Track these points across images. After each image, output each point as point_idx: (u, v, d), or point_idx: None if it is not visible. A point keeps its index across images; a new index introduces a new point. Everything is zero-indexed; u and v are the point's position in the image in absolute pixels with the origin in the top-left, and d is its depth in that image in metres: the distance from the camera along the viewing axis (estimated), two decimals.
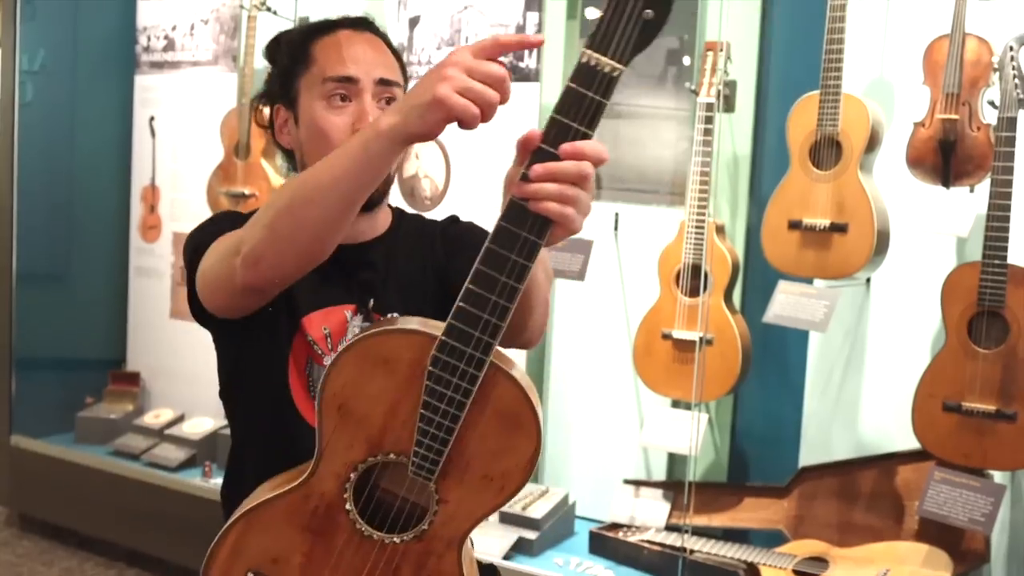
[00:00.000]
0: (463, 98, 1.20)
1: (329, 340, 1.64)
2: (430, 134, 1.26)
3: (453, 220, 1.80)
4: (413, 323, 1.39)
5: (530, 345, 1.62)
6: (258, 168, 3.96)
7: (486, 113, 1.21)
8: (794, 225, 2.98)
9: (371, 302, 1.67)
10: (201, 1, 4.38)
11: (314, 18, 4.16)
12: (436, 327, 1.33)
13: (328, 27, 1.69)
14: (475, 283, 1.27)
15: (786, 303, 2.96)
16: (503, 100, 1.22)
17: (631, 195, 3.58)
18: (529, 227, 1.23)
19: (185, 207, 4.41)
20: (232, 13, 4.28)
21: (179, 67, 4.44)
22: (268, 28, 4.04)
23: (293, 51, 1.69)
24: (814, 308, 2.93)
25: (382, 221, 1.75)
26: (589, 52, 1.18)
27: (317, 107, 1.63)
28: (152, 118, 4.51)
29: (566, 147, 1.19)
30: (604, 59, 1.18)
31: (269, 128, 1.74)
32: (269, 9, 4.00)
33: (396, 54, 1.71)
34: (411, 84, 1.74)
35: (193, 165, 4.35)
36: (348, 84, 1.62)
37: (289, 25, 3.96)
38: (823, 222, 2.93)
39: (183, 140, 4.43)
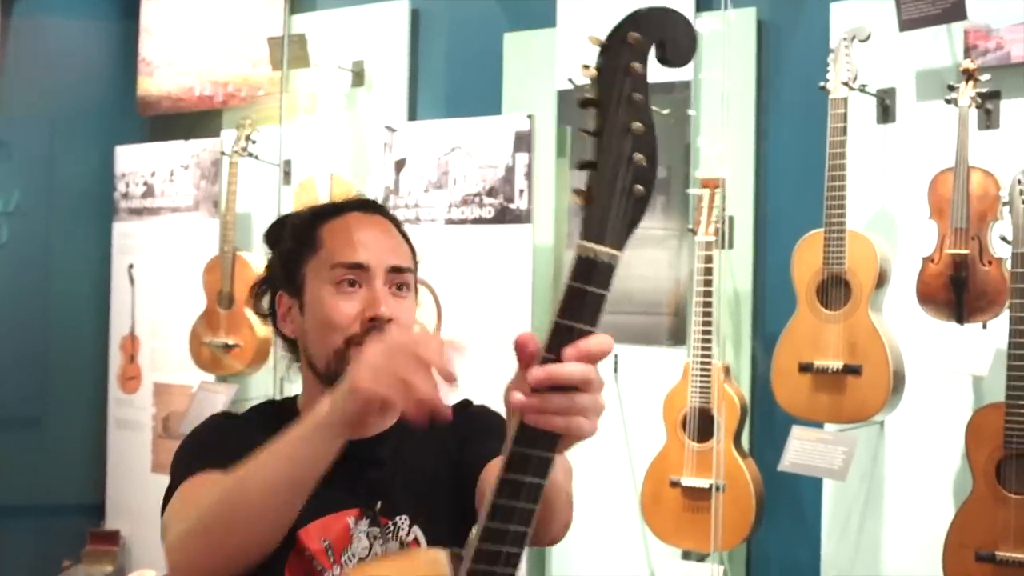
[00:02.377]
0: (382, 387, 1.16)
1: (331, 552, 1.49)
2: (356, 429, 1.22)
3: (464, 404, 1.68)
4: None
5: (554, 542, 1.49)
6: (242, 317, 3.83)
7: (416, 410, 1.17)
8: (805, 368, 2.87)
9: (379, 505, 1.53)
10: (181, 146, 4.31)
11: (298, 164, 4.12)
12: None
13: (336, 210, 1.61)
14: (492, 518, 1.12)
15: (801, 450, 2.83)
16: (439, 414, 1.18)
17: (630, 334, 3.47)
18: (540, 444, 1.10)
19: (166, 357, 4.27)
20: (213, 158, 4.20)
21: (159, 213, 4.36)
22: (250, 173, 3.97)
23: (299, 234, 1.59)
24: (831, 455, 2.80)
25: None
26: (585, 244, 1.08)
27: (325, 292, 1.53)
28: (131, 265, 4.40)
29: (570, 351, 1.07)
30: (601, 248, 1.08)
31: (271, 317, 1.63)
32: (251, 154, 3.93)
33: (406, 237, 1.63)
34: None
35: (174, 314, 4.22)
36: (358, 271, 1.53)
37: (273, 170, 3.90)
38: (836, 364, 2.82)
39: (163, 288, 4.31)
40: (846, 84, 2.87)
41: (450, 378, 1.15)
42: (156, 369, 4.32)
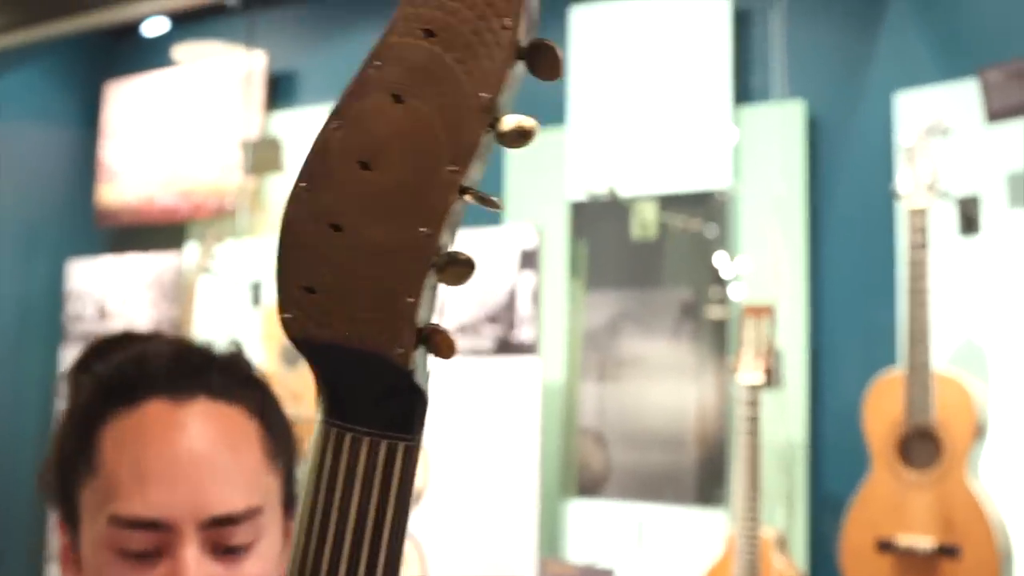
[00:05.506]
0: None
1: None
2: None
3: None
4: None
5: None
6: None
7: None
8: (885, 546, 2.25)
9: None
10: (139, 261, 3.78)
11: (270, 283, 3.57)
12: None
13: (127, 392, 0.93)
14: None
15: None
16: None
17: (650, 483, 2.88)
18: None
19: None
20: (174, 275, 3.66)
21: None
22: (217, 293, 3.43)
23: (71, 431, 0.95)
24: None
25: None
26: None
27: (103, 560, 0.89)
28: None
29: None
30: None
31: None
32: (216, 272, 3.38)
33: (266, 419, 0.97)
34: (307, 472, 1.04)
35: None
36: (153, 531, 0.89)
37: (242, 290, 3.37)
38: (927, 543, 2.21)
39: None
40: (929, 189, 2.31)
41: None
42: None
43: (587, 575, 2.43)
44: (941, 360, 2.43)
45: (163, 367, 0.94)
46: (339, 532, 0.50)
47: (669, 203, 2.93)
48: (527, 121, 0.48)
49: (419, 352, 0.50)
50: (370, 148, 0.48)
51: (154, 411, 0.92)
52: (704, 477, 2.87)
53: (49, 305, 3.96)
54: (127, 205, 3.91)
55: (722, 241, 2.85)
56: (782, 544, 2.54)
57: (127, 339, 1.04)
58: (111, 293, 3.81)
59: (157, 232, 3.85)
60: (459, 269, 0.49)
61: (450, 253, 0.49)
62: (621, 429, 3.03)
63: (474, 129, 0.48)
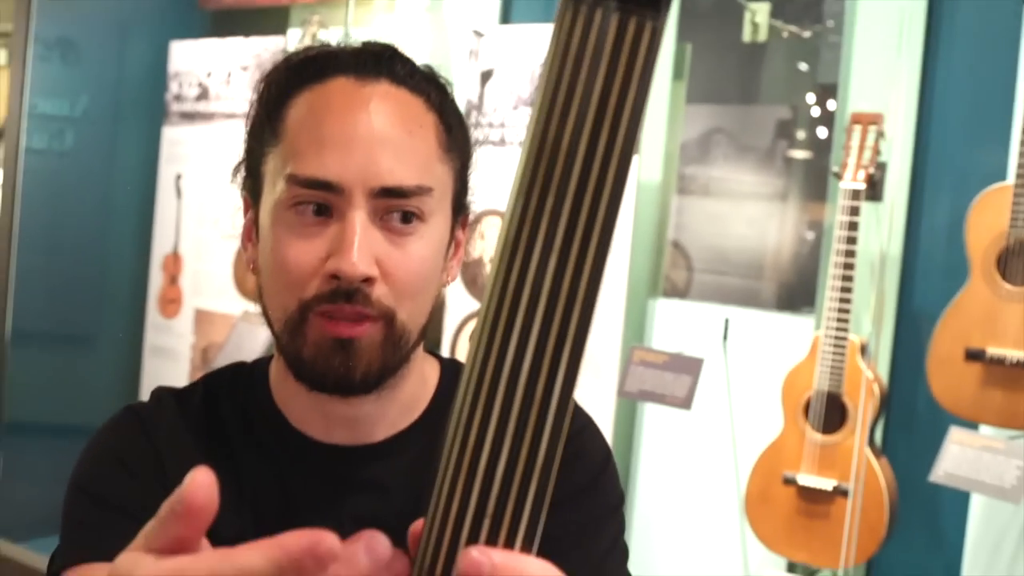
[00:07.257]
0: None
1: None
2: None
3: (578, 441, 1.03)
4: None
5: None
6: None
7: None
8: (974, 355, 2.27)
9: None
10: (241, 44, 3.80)
11: None
12: None
13: (316, 70, 0.98)
14: None
15: (962, 459, 2.24)
16: None
17: (732, 296, 2.92)
18: None
19: (209, 281, 3.80)
20: (275, 60, 3.68)
21: (212, 119, 3.86)
22: None
23: (262, 104, 1.01)
24: (1002, 469, 2.21)
25: (414, 394, 1.03)
26: None
27: (278, 220, 0.95)
28: (179, 176, 3.92)
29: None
30: None
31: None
32: None
33: (449, 124, 1.00)
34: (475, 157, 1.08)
35: (221, 233, 3.74)
36: (326, 192, 0.93)
37: None
38: (1016, 355, 2.22)
39: (212, 203, 3.82)
40: None
41: None
42: (198, 294, 3.85)
43: (676, 361, 2.48)
44: None
45: (351, 51, 0.99)
46: (581, 111, 0.51)
47: (781, 8, 2.87)
48: None
49: None
50: None
51: (339, 86, 0.96)
52: (788, 293, 2.90)
53: (151, 85, 4.01)
54: None
55: (835, 50, 2.79)
56: (864, 351, 2.56)
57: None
58: (213, 74, 3.85)
59: (260, 16, 3.86)
60: None
61: None
62: (703, 245, 3.05)
63: None
